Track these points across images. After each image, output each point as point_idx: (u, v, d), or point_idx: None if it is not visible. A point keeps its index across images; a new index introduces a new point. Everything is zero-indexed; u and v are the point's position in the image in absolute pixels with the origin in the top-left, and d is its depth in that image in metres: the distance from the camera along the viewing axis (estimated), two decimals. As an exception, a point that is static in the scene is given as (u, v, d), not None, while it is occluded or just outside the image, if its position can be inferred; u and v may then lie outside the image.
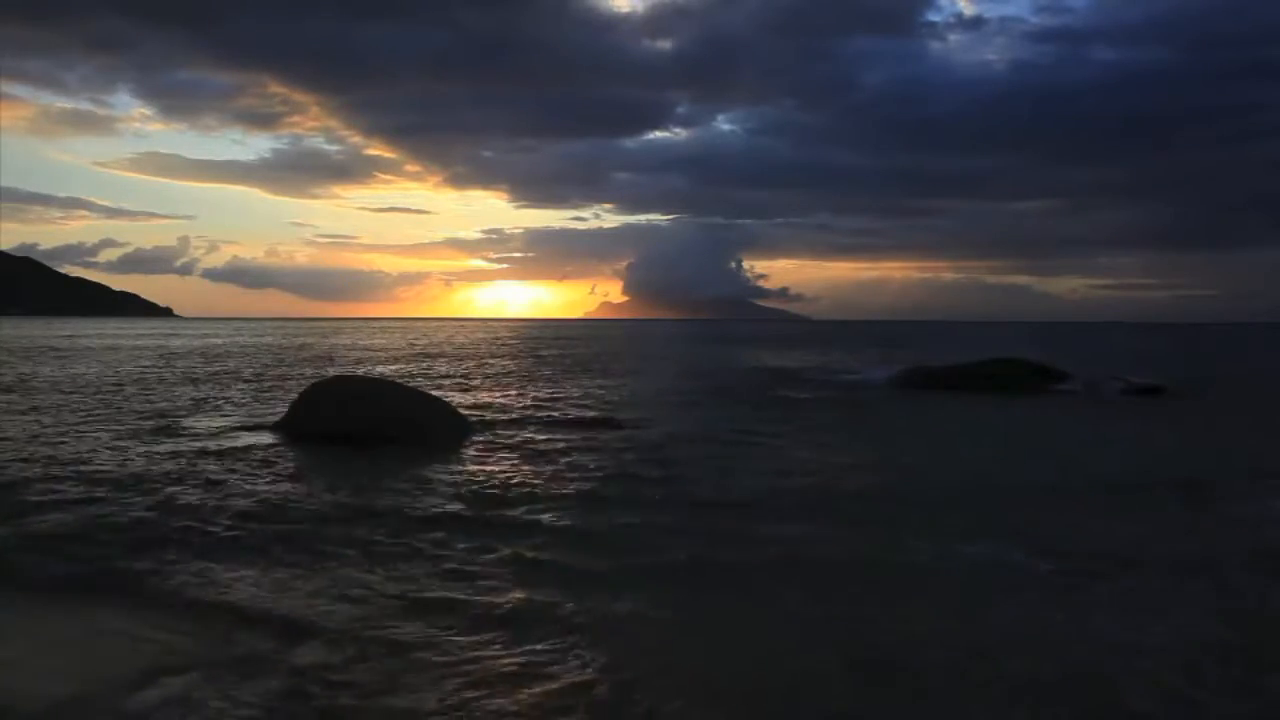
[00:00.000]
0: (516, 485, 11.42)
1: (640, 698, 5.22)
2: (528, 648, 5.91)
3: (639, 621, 6.55)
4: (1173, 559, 8.18)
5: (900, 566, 7.95)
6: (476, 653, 5.82)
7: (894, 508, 10.34)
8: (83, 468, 12.23)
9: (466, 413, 18.33)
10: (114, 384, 26.44)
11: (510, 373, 34.09)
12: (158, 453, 13.66)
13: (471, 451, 14.16)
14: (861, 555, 8.33)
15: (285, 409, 17.52)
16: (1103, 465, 13.62)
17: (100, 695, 5.15)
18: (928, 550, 8.36)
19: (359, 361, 41.25)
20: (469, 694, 5.22)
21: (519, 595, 7.02)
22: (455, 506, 10.15)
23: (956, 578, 7.60)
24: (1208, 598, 7.15)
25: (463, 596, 6.96)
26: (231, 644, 5.94)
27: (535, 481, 11.69)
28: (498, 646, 5.93)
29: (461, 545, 8.44)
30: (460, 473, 12.31)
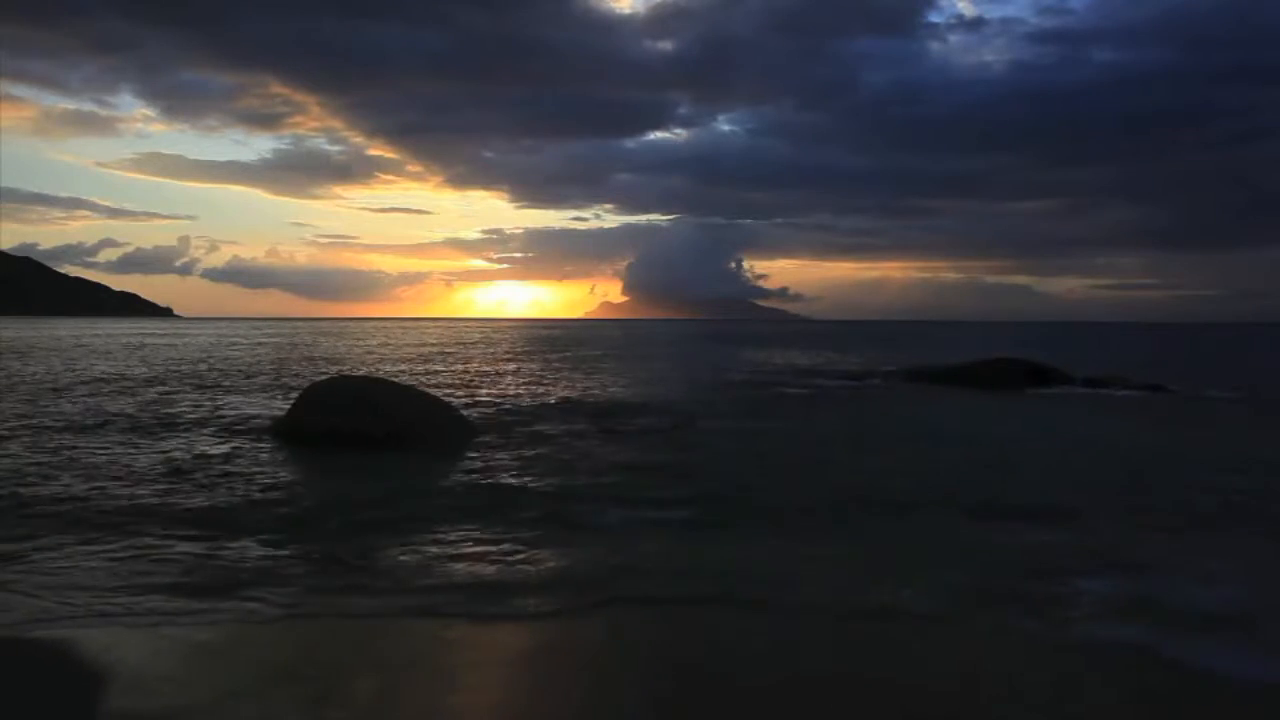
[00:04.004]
0: (518, 486, 11.39)
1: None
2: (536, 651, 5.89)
3: (642, 628, 6.54)
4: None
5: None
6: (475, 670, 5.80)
7: (902, 500, 10.33)
8: (77, 465, 12.23)
9: (467, 413, 18.30)
10: (110, 384, 26.41)
11: (511, 373, 34.06)
12: (154, 453, 13.64)
13: (473, 452, 14.12)
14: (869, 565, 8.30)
15: (285, 408, 17.50)
16: (1106, 459, 13.58)
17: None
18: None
19: (359, 361, 41.21)
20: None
21: (517, 596, 7.01)
22: (455, 508, 10.09)
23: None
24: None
25: (461, 602, 6.95)
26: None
27: (537, 482, 11.65)
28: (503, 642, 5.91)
29: (462, 548, 8.42)
30: (461, 474, 12.28)
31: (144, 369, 33.63)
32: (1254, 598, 6.92)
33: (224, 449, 14.09)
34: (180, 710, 4.94)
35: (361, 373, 30.85)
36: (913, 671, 5.62)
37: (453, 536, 8.74)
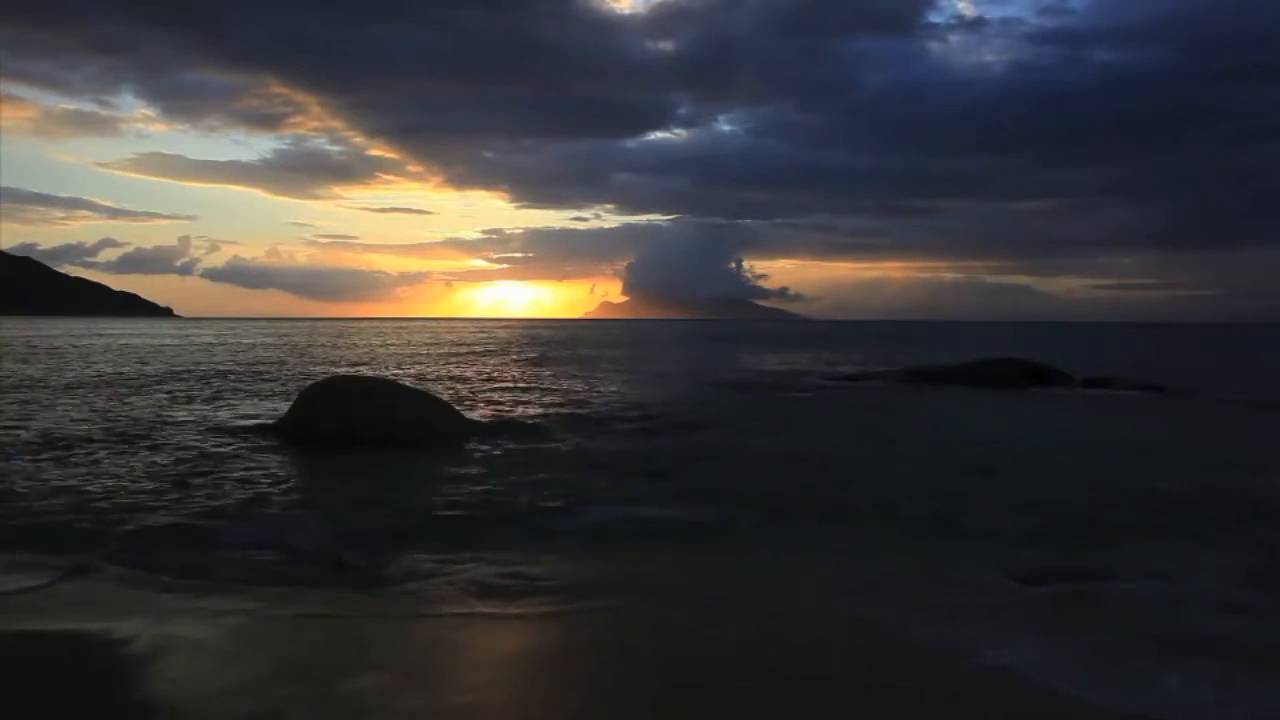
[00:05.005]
0: (517, 486, 11.36)
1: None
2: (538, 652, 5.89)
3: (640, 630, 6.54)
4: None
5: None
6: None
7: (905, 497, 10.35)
8: (76, 466, 12.22)
9: (466, 413, 18.30)
10: (110, 384, 26.41)
11: (510, 373, 34.07)
12: (153, 453, 13.63)
13: (472, 452, 14.12)
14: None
15: (284, 409, 17.50)
16: (1103, 460, 13.58)
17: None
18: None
19: (358, 361, 41.24)
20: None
21: (517, 597, 7.01)
22: (455, 508, 10.09)
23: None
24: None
25: (460, 602, 6.95)
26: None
27: (536, 482, 11.63)
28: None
29: (461, 548, 8.40)
30: (460, 474, 12.26)
31: (143, 369, 33.62)
32: (1218, 609, 6.69)
33: (223, 449, 14.07)
34: (180, 709, 4.94)
35: (361, 373, 30.86)
36: (907, 678, 5.61)
37: (452, 537, 8.73)
